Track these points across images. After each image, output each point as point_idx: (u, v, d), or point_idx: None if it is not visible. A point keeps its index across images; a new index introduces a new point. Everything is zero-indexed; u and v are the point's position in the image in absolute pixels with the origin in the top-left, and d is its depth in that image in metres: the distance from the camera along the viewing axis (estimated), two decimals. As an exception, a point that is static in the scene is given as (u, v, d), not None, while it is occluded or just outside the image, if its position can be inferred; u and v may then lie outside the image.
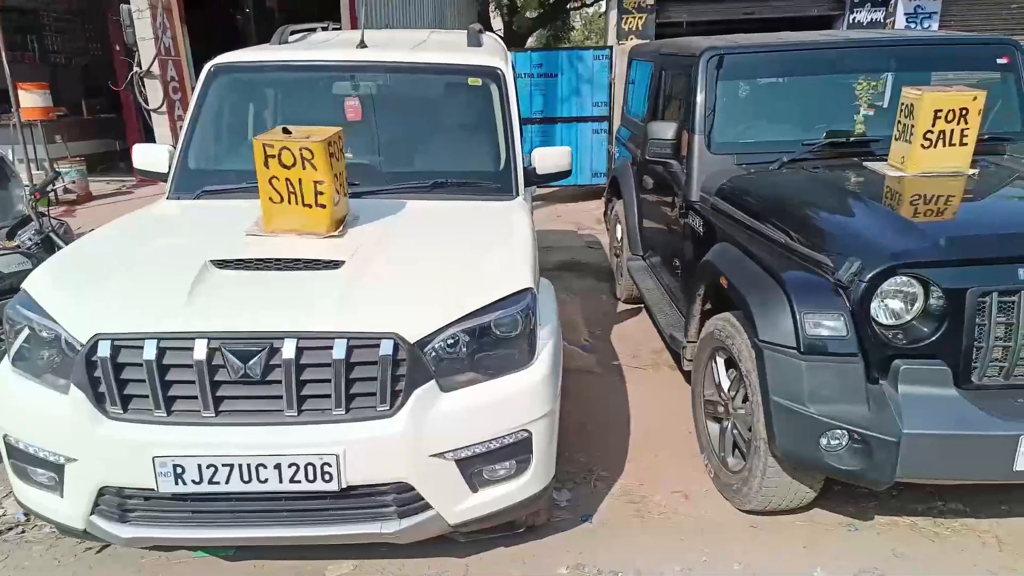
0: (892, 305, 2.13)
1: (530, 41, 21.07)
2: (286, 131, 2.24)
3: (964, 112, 2.65)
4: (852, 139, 3.14)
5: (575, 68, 9.51)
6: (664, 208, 3.81)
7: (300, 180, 2.17)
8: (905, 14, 9.24)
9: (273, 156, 2.14)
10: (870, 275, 2.07)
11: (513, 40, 16.80)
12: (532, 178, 3.10)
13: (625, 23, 10.01)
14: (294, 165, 2.14)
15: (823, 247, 2.28)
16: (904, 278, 2.10)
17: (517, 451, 2.02)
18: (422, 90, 3.18)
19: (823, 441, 2.09)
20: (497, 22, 19.45)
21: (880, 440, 1.99)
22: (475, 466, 1.98)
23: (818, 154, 3.09)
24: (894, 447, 1.98)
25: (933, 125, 2.68)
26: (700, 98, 3.22)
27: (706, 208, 3.10)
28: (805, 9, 9.78)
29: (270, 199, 2.20)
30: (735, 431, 2.57)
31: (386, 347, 1.82)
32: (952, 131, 2.68)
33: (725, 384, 2.64)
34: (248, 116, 3.18)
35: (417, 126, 3.10)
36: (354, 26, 8.69)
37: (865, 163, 2.96)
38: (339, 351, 1.80)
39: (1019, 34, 9.36)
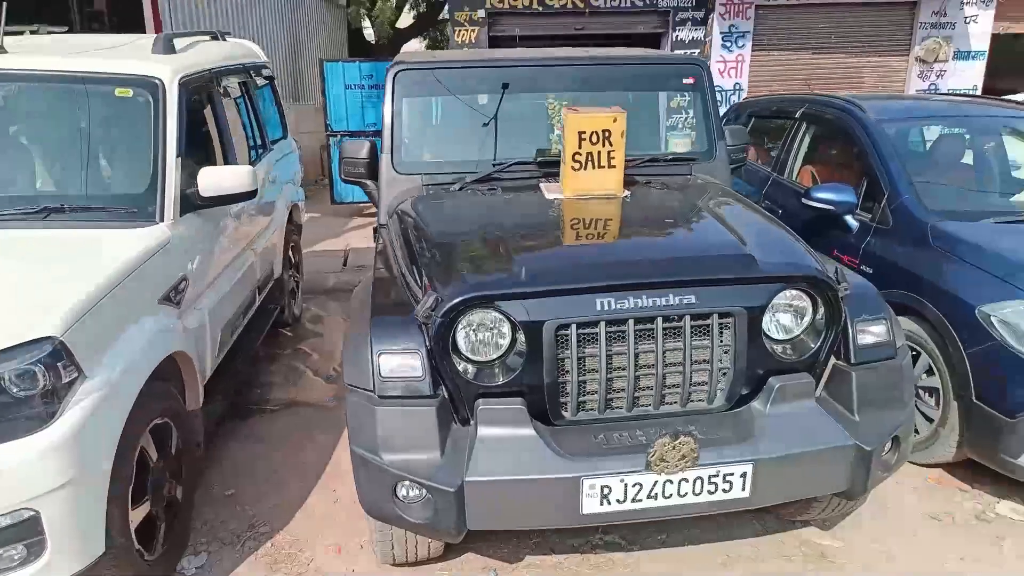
0: (483, 338, 2.00)
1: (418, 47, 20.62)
2: None
3: (607, 133, 2.60)
4: (541, 160, 3.06)
5: (406, 80, 9.22)
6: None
7: None
8: (721, 33, 9.68)
9: None
10: (444, 310, 1.92)
11: (387, 50, 16.33)
12: (195, 201, 2.81)
13: (459, 36, 9.93)
14: None
15: (425, 279, 2.13)
16: (492, 312, 1.97)
17: (21, 534, 1.72)
18: (58, 102, 2.81)
19: (400, 493, 1.93)
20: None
21: (440, 491, 1.84)
22: (-43, 556, 1.66)
23: (508, 175, 2.99)
24: (454, 497, 1.83)
25: (580, 147, 2.62)
26: (387, 115, 3.05)
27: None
28: (632, 27, 10.05)
29: None
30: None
31: None
32: (599, 153, 2.63)
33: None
34: None
35: (45, 142, 2.74)
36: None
37: (541, 185, 2.88)
38: None
39: (825, 52, 10.05)
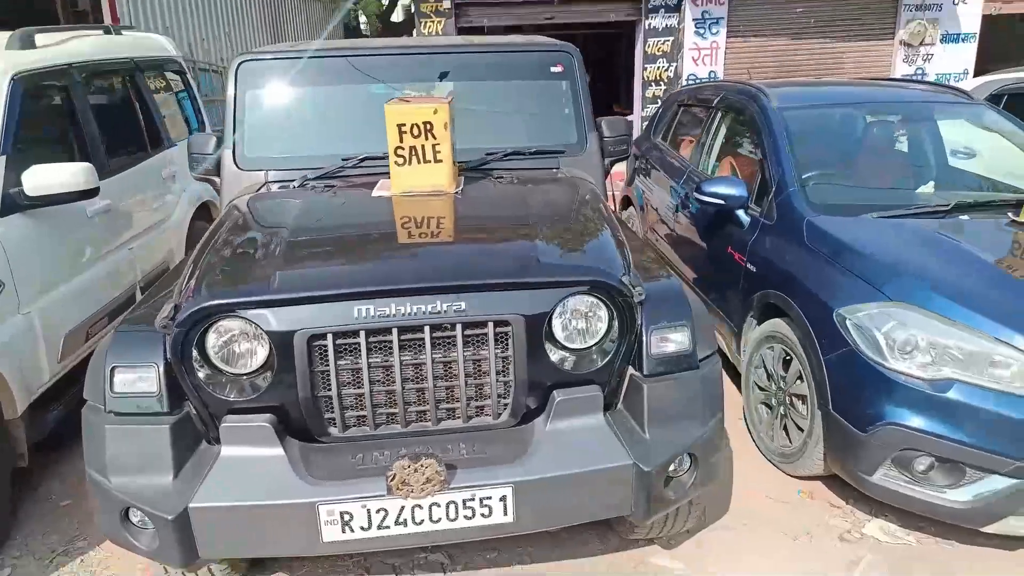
0: (235, 350, 1.84)
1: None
2: None
3: (428, 125, 2.43)
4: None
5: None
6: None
7: None
8: (693, 19, 9.39)
9: None
10: (181, 319, 1.77)
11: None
12: (20, 201, 2.71)
13: (425, 27, 9.76)
14: None
15: (188, 285, 1.98)
16: (241, 322, 1.82)
17: None
18: None
19: (134, 519, 1.79)
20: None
21: (159, 518, 1.70)
22: None
23: (360, 170, 2.82)
24: (174, 524, 1.69)
25: (401, 140, 2.45)
26: (230, 108, 2.91)
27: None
28: (603, 15, 9.79)
29: None
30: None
31: None
32: (423, 146, 2.46)
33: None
34: None
35: None
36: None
37: (381, 181, 2.71)
38: None
39: (805, 38, 9.70)
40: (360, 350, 1.82)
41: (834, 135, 3.50)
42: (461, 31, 9.80)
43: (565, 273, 1.89)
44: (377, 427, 1.90)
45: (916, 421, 2.16)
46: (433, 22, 9.71)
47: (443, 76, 3.02)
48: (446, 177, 2.50)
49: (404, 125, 2.42)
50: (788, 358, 2.77)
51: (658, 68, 9.85)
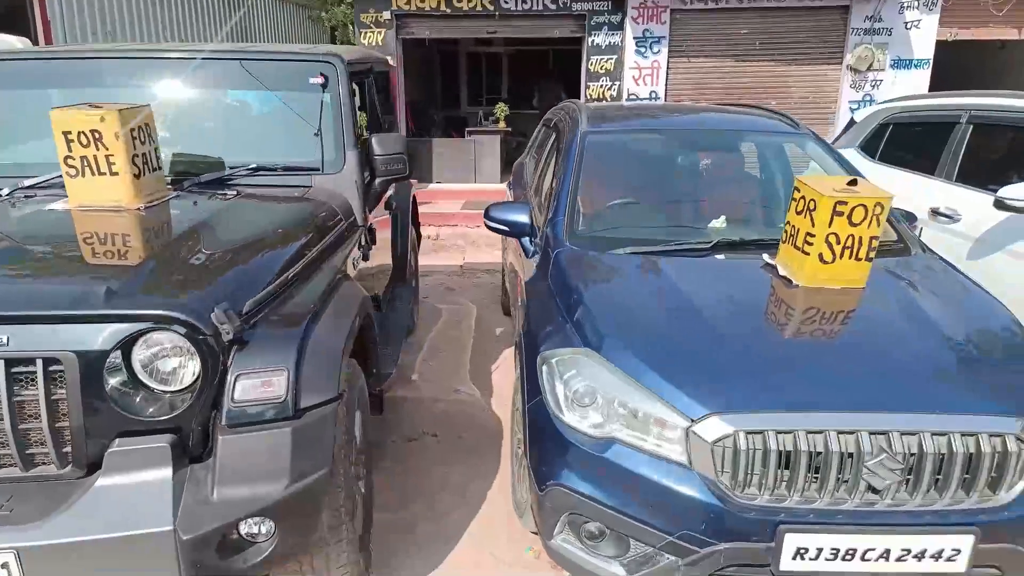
0: None
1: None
2: None
3: (97, 135, 2.22)
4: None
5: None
6: None
7: None
8: (634, 38, 9.21)
9: None
10: None
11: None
12: None
13: (364, 37, 9.64)
14: None
15: None
16: None
17: None
18: None
19: None
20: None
21: None
22: None
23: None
24: None
25: (70, 150, 2.25)
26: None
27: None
28: (547, 31, 9.63)
29: None
30: None
31: None
32: (94, 157, 2.25)
33: None
34: None
35: None
36: (48, 41, 7.86)
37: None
38: None
39: (750, 60, 9.48)
40: None
41: (633, 162, 3.26)
42: (403, 43, 9.69)
43: (129, 306, 1.67)
44: None
45: (579, 483, 1.91)
46: (373, 32, 9.59)
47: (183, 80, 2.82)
48: (125, 191, 2.29)
49: (70, 133, 2.22)
50: (526, 401, 2.53)
51: (601, 87, 9.66)
